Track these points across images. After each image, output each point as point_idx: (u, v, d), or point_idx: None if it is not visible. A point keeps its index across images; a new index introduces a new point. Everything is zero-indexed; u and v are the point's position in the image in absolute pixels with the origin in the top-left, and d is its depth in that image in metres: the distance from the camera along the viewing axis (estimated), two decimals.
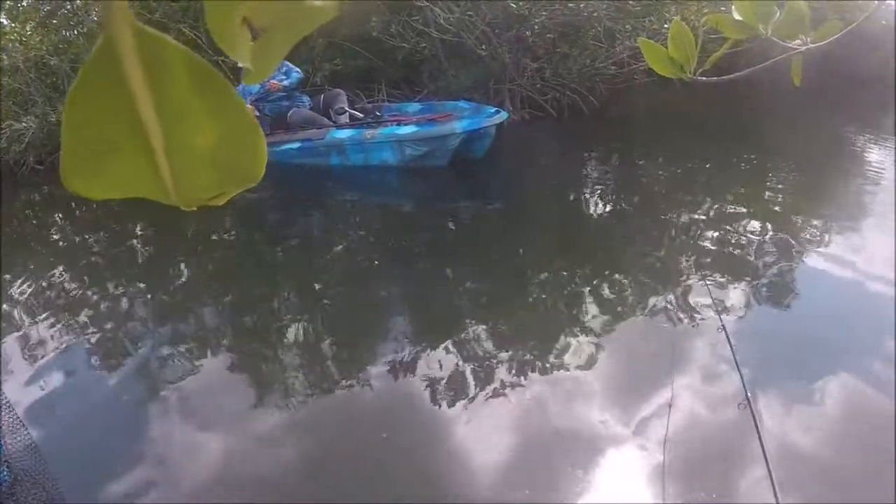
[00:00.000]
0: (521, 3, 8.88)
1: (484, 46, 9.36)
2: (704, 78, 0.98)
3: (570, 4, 9.23)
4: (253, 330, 4.67)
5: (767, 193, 7.96)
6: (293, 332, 4.48)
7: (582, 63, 9.81)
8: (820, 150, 11.56)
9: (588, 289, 4.77)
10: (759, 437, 2.19)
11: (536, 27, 9.31)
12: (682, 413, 3.23)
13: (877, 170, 10.55)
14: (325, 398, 3.74)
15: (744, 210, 7.02)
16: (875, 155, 12.00)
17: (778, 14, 0.95)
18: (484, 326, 4.23)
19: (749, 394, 2.44)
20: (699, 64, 0.97)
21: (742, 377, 2.58)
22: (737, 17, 0.94)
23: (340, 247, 5.95)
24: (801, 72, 1.05)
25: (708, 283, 4.81)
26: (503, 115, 7.68)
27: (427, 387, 3.66)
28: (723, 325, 3.24)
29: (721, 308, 4.23)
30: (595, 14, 9.17)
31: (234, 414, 3.58)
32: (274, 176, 7.35)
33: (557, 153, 9.04)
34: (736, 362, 2.68)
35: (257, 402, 3.67)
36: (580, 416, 3.38)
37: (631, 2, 9.43)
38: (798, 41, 0.99)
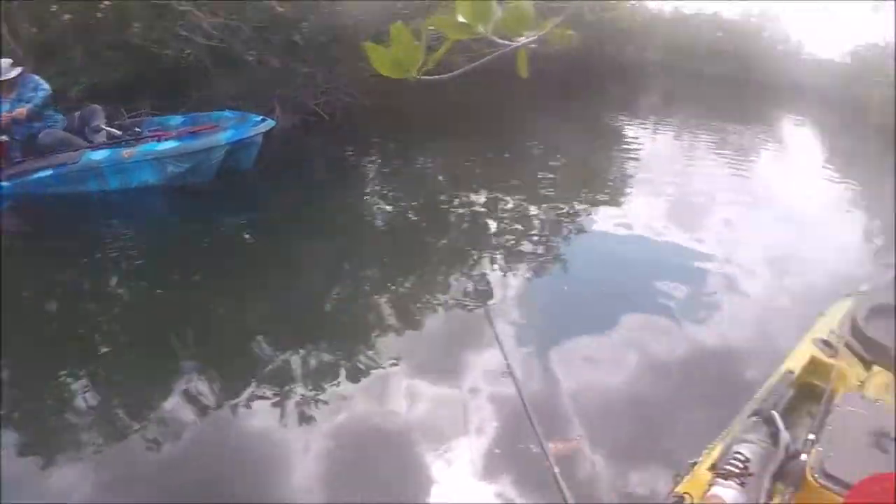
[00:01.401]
0: (288, 6, 8.76)
1: (252, 52, 9.11)
2: (429, 77, 1.00)
3: (339, 8, 9.32)
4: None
5: (541, 175, 8.90)
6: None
7: (353, 65, 10.01)
8: (584, 132, 12.96)
9: (367, 286, 4.96)
10: (521, 398, 2.50)
11: (306, 30, 9.20)
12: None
13: (634, 146, 12.25)
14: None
15: (520, 194, 7.69)
16: (631, 132, 13.91)
17: (499, 13, 1.02)
18: (272, 338, 4.22)
19: (508, 362, 2.74)
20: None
21: (503, 349, 2.90)
22: (460, 18, 0.99)
23: (103, 292, 5.30)
24: (526, 64, 1.14)
25: (490, 266, 5.29)
26: (270, 123, 7.38)
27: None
28: (487, 312, 3.91)
29: (487, 289, 4.79)
30: (363, 18, 9.35)
31: None
32: (25, 216, 6.57)
33: (331, 157, 9.06)
34: (496, 337, 3.06)
35: None
36: (368, 406, 3.58)
37: (399, 3, 9.76)
38: (523, 38, 1.07)
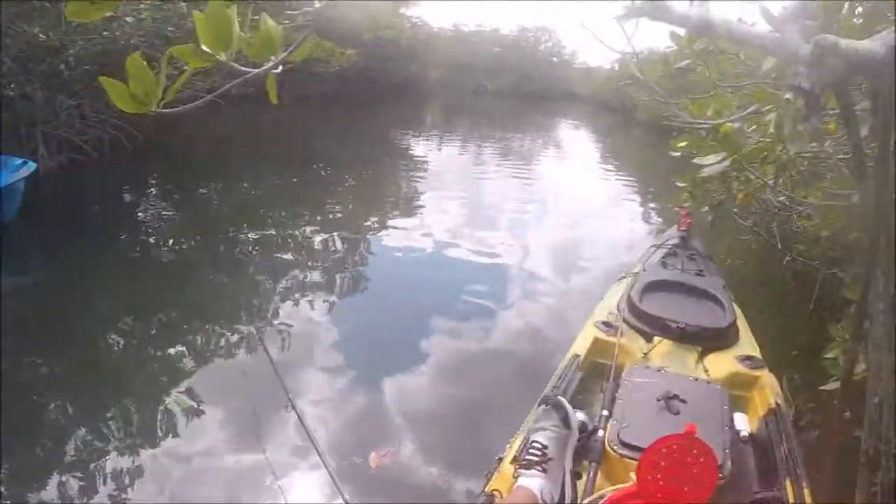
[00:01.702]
0: (52, 34, 7.71)
1: (12, 85, 7.83)
2: (168, 110, 0.97)
3: (105, 33, 8.41)
4: None
5: (331, 199, 8.68)
6: None
7: None
8: (372, 151, 12.98)
9: (150, 339, 4.49)
10: (306, 431, 2.50)
11: (72, 59, 8.21)
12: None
13: (422, 161, 12.28)
14: None
15: (310, 219, 7.50)
16: (418, 148, 14.03)
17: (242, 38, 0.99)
18: (52, 408, 3.65)
19: (290, 395, 2.60)
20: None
21: (283, 384, 2.73)
22: (203, 46, 0.96)
23: None
24: (276, 88, 1.12)
25: (282, 297, 5.09)
26: (31, 166, 6.41)
27: None
28: (265, 347, 3.77)
29: (275, 322, 4.65)
30: (133, 42, 8.56)
31: None
32: None
33: (104, 199, 8.06)
34: (276, 372, 2.77)
35: None
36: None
37: (170, 28, 9.05)
38: (271, 62, 1.02)
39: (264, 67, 1.03)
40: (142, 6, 8.71)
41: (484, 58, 41.63)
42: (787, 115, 0.89)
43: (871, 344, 1.07)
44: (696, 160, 1.89)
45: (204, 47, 0.97)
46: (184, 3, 8.77)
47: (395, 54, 24.54)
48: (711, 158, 1.78)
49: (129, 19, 8.42)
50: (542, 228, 7.78)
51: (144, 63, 0.94)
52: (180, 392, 3.76)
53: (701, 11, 0.92)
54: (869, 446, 1.18)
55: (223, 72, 0.98)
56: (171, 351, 4.24)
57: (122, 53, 8.63)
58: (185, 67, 1.07)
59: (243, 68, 1.03)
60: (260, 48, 1.01)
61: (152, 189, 8.68)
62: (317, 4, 1.03)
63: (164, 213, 7.51)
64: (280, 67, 1.05)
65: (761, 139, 2.11)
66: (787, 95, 0.79)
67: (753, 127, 2.43)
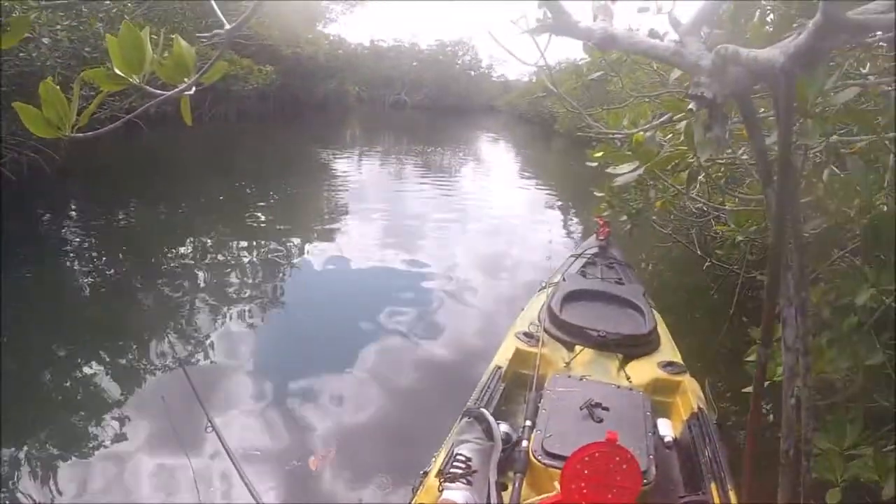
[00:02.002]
0: None
1: None
2: (82, 134, 0.96)
3: (21, 54, 7.94)
4: None
5: (253, 216, 8.51)
6: None
7: None
8: (293, 168, 12.79)
9: (72, 370, 4.27)
10: (228, 452, 2.36)
11: None
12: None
13: (344, 177, 12.18)
14: None
15: (234, 239, 7.36)
16: (339, 164, 13.92)
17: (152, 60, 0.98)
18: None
19: (210, 418, 2.62)
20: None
21: (203, 406, 2.71)
22: (117, 70, 0.97)
23: None
24: (194, 107, 1.11)
25: (208, 320, 4.96)
26: None
27: None
28: (185, 369, 3.48)
29: (192, 345, 4.51)
30: (49, 63, 8.12)
31: None
32: None
33: (21, 225, 7.56)
34: (196, 394, 2.81)
35: None
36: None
37: (87, 49, 8.62)
38: (184, 83, 1.01)
39: (178, 89, 1.03)
40: (58, 27, 8.36)
41: (403, 72, 42.00)
42: (694, 123, 0.91)
43: (783, 347, 1.10)
44: (609, 169, 1.92)
45: (117, 70, 0.97)
46: (101, 25, 8.44)
47: (314, 71, 24.44)
48: (625, 167, 1.81)
49: (45, 40, 8.06)
50: (465, 240, 7.83)
51: (57, 88, 0.94)
52: (103, 416, 3.66)
53: (605, 26, 0.93)
54: (787, 447, 1.21)
55: (140, 92, 0.95)
56: (94, 375, 4.12)
57: (39, 75, 8.28)
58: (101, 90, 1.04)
59: (157, 91, 1.03)
60: (173, 70, 1.01)
61: (73, 212, 8.40)
62: (227, 27, 0.98)
63: (84, 235, 7.25)
64: (194, 88, 1.04)
65: (674, 147, 2.17)
66: (690, 105, 0.80)
67: (669, 136, 2.50)
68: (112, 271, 6.19)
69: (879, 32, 1.24)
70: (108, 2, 8.56)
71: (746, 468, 1.31)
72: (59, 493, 3.01)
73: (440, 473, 2.08)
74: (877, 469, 1.62)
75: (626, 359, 2.95)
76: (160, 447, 3.31)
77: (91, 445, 3.37)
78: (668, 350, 3.13)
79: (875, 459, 1.64)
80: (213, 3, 1.09)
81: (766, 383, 1.92)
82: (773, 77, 0.72)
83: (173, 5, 10.79)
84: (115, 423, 3.56)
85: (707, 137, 0.86)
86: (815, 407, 1.83)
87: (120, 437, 3.44)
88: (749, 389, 2.52)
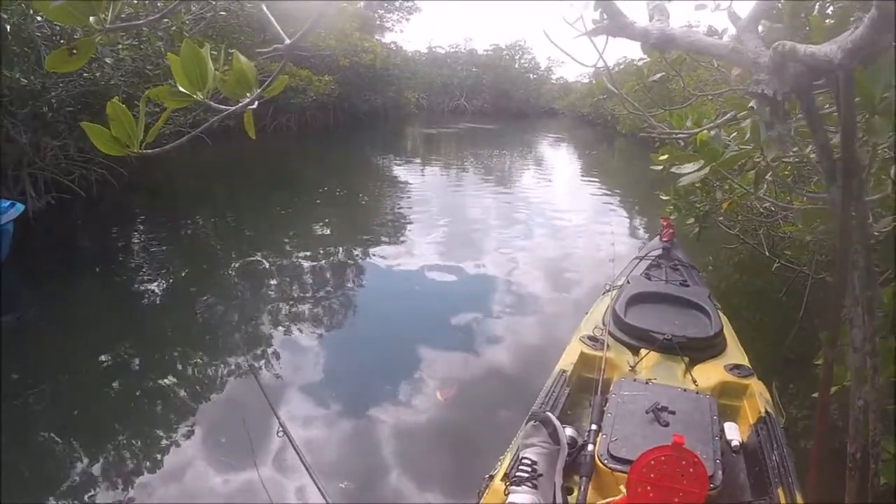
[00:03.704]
0: (33, 78, 7.72)
1: None
2: (149, 151, 0.99)
3: (86, 74, 8.44)
4: None
5: (319, 226, 8.73)
6: None
7: None
8: (356, 177, 13.04)
9: (148, 373, 4.44)
10: (301, 458, 2.39)
11: (54, 101, 8.19)
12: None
13: (407, 184, 12.31)
14: None
15: (301, 248, 7.47)
16: (401, 171, 14.10)
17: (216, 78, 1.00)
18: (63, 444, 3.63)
19: (281, 422, 2.64)
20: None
21: (275, 412, 2.75)
22: (180, 87, 0.99)
23: None
24: (256, 120, 1.14)
25: (278, 328, 5.07)
26: (20, 208, 6.46)
27: None
28: (257, 378, 3.67)
29: (268, 352, 4.62)
30: (113, 82, 8.60)
31: None
32: None
33: (93, 237, 8.06)
34: (268, 399, 2.84)
35: None
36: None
37: (149, 67, 9.08)
38: (247, 98, 1.02)
39: (241, 104, 1.05)
40: (120, 46, 8.77)
41: (461, 78, 42.13)
42: (758, 122, 0.91)
43: (851, 348, 1.07)
44: (674, 169, 1.89)
45: (180, 87, 1.00)
46: (160, 43, 8.83)
47: (372, 79, 24.76)
48: (689, 167, 1.78)
49: (108, 60, 8.48)
50: (528, 244, 7.82)
51: (124, 107, 0.97)
52: (176, 422, 3.77)
53: (662, 27, 0.93)
54: (855, 451, 1.18)
55: (204, 107, 0.98)
56: (167, 382, 4.24)
57: (104, 93, 8.72)
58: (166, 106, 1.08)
59: (220, 106, 1.07)
60: (234, 85, 1.03)
61: (140, 224, 8.70)
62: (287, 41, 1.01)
63: (152, 247, 7.52)
64: (256, 103, 1.06)
65: (740, 146, 2.12)
66: (751, 104, 0.80)
67: (734, 134, 2.44)
68: (180, 281, 6.38)
69: None
70: (166, 20, 8.95)
71: (812, 472, 1.28)
72: (132, 498, 3.12)
73: (506, 477, 2.08)
74: None
75: (693, 362, 2.91)
76: (234, 452, 3.40)
77: (165, 451, 3.48)
78: (735, 353, 3.06)
79: None
80: (271, 18, 1.14)
81: (835, 388, 1.87)
82: (833, 73, 0.71)
83: (231, 21, 11.15)
84: (187, 429, 3.67)
85: (770, 135, 0.85)
86: (885, 410, 1.77)
87: (193, 442, 3.55)
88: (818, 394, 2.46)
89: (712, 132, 1.92)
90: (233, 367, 4.40)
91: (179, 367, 4.49)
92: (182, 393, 4.07)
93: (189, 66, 0.99)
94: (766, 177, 2.63)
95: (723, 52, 0.88)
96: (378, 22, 31.40)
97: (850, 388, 1.11)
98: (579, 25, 1.29)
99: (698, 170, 1.78)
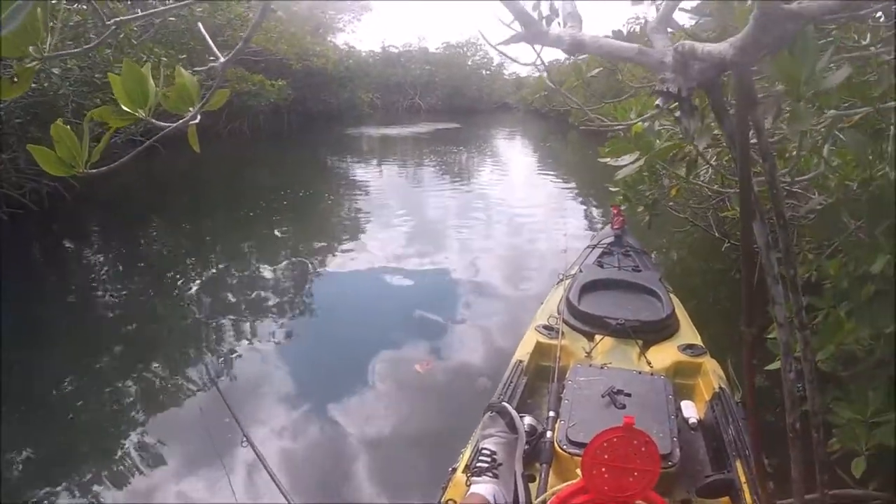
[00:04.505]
0: None
1: None
2: (95, 170, 1.00)
3: (34, 85, 8.18)
4: None
5: (274, 230, 8.57)
6: None
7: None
8: (312, 178, 12.92)
9: (99, 390, 4.35)
10: (266, 467, 2.31)
11: (2, 113, 8.02)
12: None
13: (364, 183, 12.29)
14: None
15: (256, 253, 7.50)
16: (358, 171, 14.07)
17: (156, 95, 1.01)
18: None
19: (245, 432, 2.70)
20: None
21: (238, 422, 2.75)
22: (121, 105, 0.99)
23: None
24: (197, 136, 1.14)
25: (236, 336, 5.02)
26: None
27: None
28: (218, 389, 3.84)
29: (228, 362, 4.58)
30: (62, 92, 8.35)
31: None
32: None
33: (46, 252, 7.85)
34: (229, 408, 2.77)
35: None
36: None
37: (97, 75, 8.85)
38: (190, 112, 1.04)
39: (182, 120, 1.06)
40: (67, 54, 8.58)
41: (415, 76, 42.01)
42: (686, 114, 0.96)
43: (776, 324, 1.13)
44: (611, 161, 1.95)
45: (123, 106, 1.00)
46: (109, 51, 8.64)
47: (326, 81, 24.60)
48: (626, 159, 1.84)
49: (55, 70, 8.27)
50: (485, 239, 7.89)
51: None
52: (137, 432, 3.74)
53: (573, 33, 0.98)
54: (793, 421, 1.24)
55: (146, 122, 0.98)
56: (125, 393, 4.20)
57: (53, 103, 8.49)
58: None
59: (161, 123, 1.06)
60: (177, 101, 1.04)
61: (94, 236, 8.54)
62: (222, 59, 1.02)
63: (107, 258, 7.41)
64: (199, 117, 1.07)
65: (673, 137, 2.19)
66: (657, 101, 0.85)
67: (668, 125, 2.52)
68: (134, 289, 6.28)
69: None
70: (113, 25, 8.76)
71: (753, 446, 1.34)
72: None
73: (467, 468, 2.11)
74: None
75: (646, 345, 2.99)
76: (198, 462, 3.37)
77: (127, 463, 3.44)
78: (688, 333, 3.15)
79: None
80: (205, 33, 1.14)
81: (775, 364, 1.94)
82: (727, 69, 0.76)
83: (180, 26, 10.95)
84: (150, 441, 3.63)
85: (680, 129, 0.90)
86: (835, 377, 1.85)
87: (153, 455, 3.50)
88: (772, 367, 2.55)
89: (645, 124, 1.98)
90: (194, 377, 4.36)
91: (139, 378, 4.43)
92: (142, 405, 4.02)
93: (130, 85, 1.00)
94: (711, 161, 2.72)
95: (630, 55, 0.93)
96: (330, 23, 31.13)
97: (781, 361, 1.17)
98: (516, 25, 1.32)
99: (633, 161, 1.84)
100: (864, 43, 1.77)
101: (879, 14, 1.68)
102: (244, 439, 2.77)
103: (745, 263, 1.04)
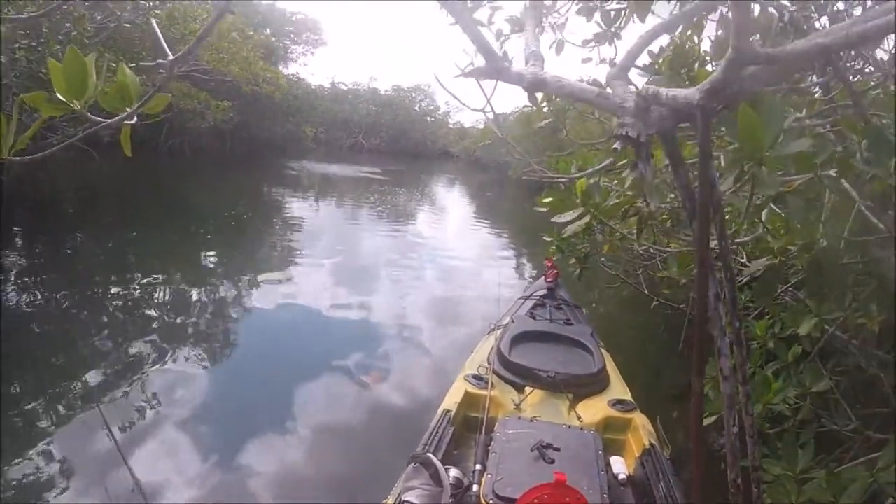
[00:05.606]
0: None
1: None
2: (19, 158, 0.95)
3: None
4: None
5: (204, 256, 8.36)
6: None
7: None
8: (247, 208, 12.70)
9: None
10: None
11: None
12: None
13: (299, 218, 12.11)
14: None
15: (184, 277, 7.16)
16: (295, 205, 13.89)
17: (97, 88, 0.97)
18: None
19: (128, 465, 2.77)
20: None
21: (119, 449, 2.89)
22: (58, 94, 0.95)
23: None
24: (130, 141, 1.07)
25: (148, 358, 4.77)
26: None
27: None
28: (102, 414, 3.54)
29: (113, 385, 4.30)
30: (5, 82, 8.06)
31: None
32: None
33: None
34: (118, 448, 2.93)
35: None
36: None
37: (43, 70, 8.53)
38: (126, 111, 1.00)
39: (118, 118, 1.02)
40: (17, 45, 8.27)
41: (361, 115, 42.16)
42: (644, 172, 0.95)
43: (721, 376, 1.13)
44: (555, 218, 1.95)
45: (59, 95, 0.96)
46: (59, 47, 8.35)
47: (272, 110, 24.41)
48: (570, 215, 1.84)
49: (2, 58, 7.94)
50: (417, 284, 7.83)
51: None
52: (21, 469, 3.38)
53: (535, 71, 0.97)
54: (734, 476, 1.22)
55: (82, 117, 0.94)
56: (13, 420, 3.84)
57: None
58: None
59: (95, 118, 1.03)
60: (115, 98, 1.01)
61: (16, 240, 8.08)
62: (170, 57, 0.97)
63: (25, 264, 6.99)
64: (136, 118, 1.04)
65: (624, 194, 2.21)
66: (615, 145, 0.84)
67: (616, 181, 2.56)
68: (48, 302, 5.96)
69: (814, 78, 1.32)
70: (68, 24, 8.49)
71: (696, 499, 1.32)
72: None
73: None
74: (830, 490, 1.67)
75: (577, 398, 2.97)
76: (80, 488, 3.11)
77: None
78: (618, 388, 3.16)
79: (827, 481, 1.69)
80: (158, 32, 1.09)
81: (715, 416, 1.95)
82: (693, 115, 0.76)
83: (134, 34, 10.67)
84: (38, 463, 3.33)
85: (635, 175, 0.89)
86: (762, 434, 1.87)
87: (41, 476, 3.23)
88: (710, 421, 2.57)
89: (591, 180, 1.99)
90: (89, 405, 4.04)
91: (36, 393, 4.12)
92: (35, 422, 3.73)
93: (70, 74, 0.96)
94: (648, 222, 2.77)
95: (590, 97, 0.92)
96: (283, 52, 31.08)
97: (724, 414, 1.16)
98: (479, 60, 1.32)
99: (578, 217, 1.84)
100: (799, 115, 1.86)
101: (816, 88, 1.77)
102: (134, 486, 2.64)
103: (699, 313, 1.03)
